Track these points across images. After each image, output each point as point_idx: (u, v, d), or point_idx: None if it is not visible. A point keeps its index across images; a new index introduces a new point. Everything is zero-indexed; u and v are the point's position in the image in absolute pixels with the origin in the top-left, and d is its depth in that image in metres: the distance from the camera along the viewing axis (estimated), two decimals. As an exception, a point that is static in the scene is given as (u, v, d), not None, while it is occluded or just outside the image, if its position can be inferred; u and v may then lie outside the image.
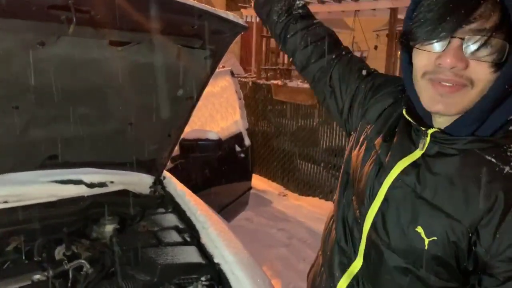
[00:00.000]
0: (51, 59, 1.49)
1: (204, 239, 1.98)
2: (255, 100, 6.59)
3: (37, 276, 1.60)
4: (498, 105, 0.82)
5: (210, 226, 2.04)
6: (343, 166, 1.16)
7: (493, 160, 0.82)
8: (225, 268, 1.79)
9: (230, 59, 7.96)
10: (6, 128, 1.71)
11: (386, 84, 1.12)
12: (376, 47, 8.61)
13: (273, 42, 7.92)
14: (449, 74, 0.80)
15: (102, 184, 2.16)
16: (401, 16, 5.70)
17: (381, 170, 0.96)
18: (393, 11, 5.51)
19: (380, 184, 0.95)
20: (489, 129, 0.84)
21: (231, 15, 1.55)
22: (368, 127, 1.08)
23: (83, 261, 1.72)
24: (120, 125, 1.98)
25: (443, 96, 0.82)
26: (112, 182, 2.19)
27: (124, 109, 1.90)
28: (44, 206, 1.96)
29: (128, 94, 1.80)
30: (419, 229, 0.87)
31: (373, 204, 0.96)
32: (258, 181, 6.18)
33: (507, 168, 0.80)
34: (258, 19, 7.54)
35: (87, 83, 1.66)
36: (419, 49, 0.84)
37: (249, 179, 4.29)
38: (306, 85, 5.70)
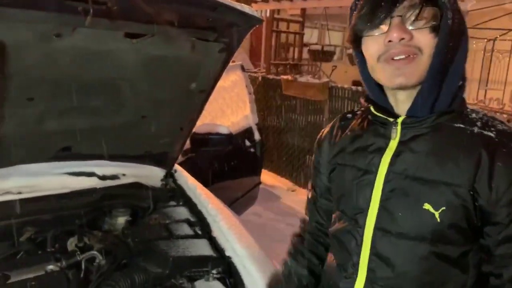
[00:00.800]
0: (67, 51, 1.49)
1: (215, 232, 1.98)
2: (264, 95, 6.58)
3: (50, 267, 1.62)
4: (446, 73, 0.92)
5: (221, 220, 2.05)
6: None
7: (461, 125, 0.94)
8: (236, 261, 1.80)
9: (240, 54, 7.95)
10: (20, 119, 1.72)
11: (320, 144, 1.21)
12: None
13: (283, 36, 7.90)
14: (399, 46, 0.90)
15: (114, 177, 2.17)
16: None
17: (367, 175, 1.02)
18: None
19: (372, 186, 1.00)
20: (445, 100, 0.95)
21: (246, 8, 1.55)
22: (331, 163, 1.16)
23: (95, 252, 1.73)
24: (133, 117, 1.98)
25: (401, 69, 0.91)
26: (124, 174, 2.21)
27: (137, 102, 1.90)
28: (57, 197, 1.98)
29: (142, 86, 1.80)
30: (427, 206, 0.93)
31: (371, 205, 1.00)
32: (267, 176, 6.18)
33: (475, 128, 0.94)
34: (268, 13, 7.53)
35: (102, 75, 1.66)
36: (369, 36, 0.94)
37: (259, 174, 4.29)
38: (316, 81, 5.68)
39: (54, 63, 1.53)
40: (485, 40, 9.72)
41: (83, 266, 1.67)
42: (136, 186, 2.21)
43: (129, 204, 2.13)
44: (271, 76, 6.72)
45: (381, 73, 0.96)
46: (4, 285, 1.48)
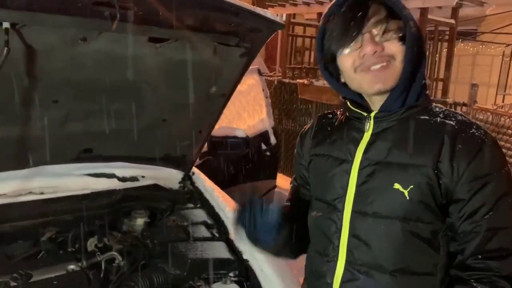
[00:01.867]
0: (92, 55, 1.52)
1: (232, 235, 1.99)
2: (280, 98, 6.58)
3: (71, 266, 1.64)
4: (415, 75, 1.05)
5: (239, 223, 2.05)
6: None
7: (426, 117, 1.07)
8: (254, 264, 1.80)
9: (256, 58, 7.94)
10: (45, 121, 1.75)
11: (303, 138, 1.32)
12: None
13: (299, 41, 7.89)
14: (373, 58, 1.01)
15: (133, 178, 2.20)
16: (431, 16, 5.60)
17: (344, 163, 1.13)
18: (424, 11, 5.43)
19: (349, 173, 1.11)
20: (413, 96, 1.07)
21: (268, 13, 1.56)
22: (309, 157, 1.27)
23: (115, 253, 1.75)
24: (154, 120, 2.01)
25: (378, 77, 1.03)
26: (143, 176, 2.23)
27: (158, 105, 1.93)
28: (77, 198, 2.00)
29: (163, 90, 1.82)
30: (397, 185, 1.04)
31: (348, 191, 1.11)
32: (282, 180, 6.14)
33: (438, 119, 1.07)
34: (284, 17, 7.53)
35: (125, 79, 1.68)
36: (344, 54, 1.05)
37: (274, 177, 4.29)
38: (332, 85, 5.66)
39: (79, 66, 1.56)
40: (504, 45, 9.60)
41: (103, 267, 1.69)
42: (155, 188, 2.23)
43: (147, 206, 2.15)
44: (287, 80, 6.72)
45: (360, 82, 1.07)
46: (26, 284, 1.51)
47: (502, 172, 1.02)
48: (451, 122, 1.05)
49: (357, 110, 1.13)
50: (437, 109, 1.11)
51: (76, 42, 1.43)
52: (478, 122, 1.09)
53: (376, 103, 1.11)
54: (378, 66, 1.03)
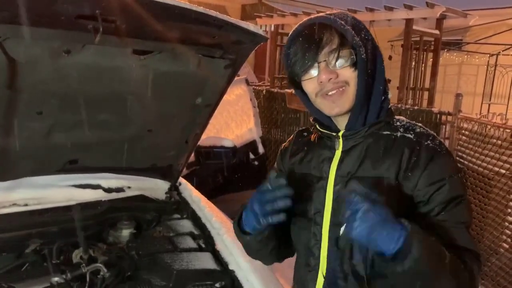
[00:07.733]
0: (76, 67, 1.53)
1: (219, 246, 1.99)
2: (268, 108, 6.61)
3: (55, 279, 1.63)
4: (370, 95, 1.14)
5: (225, 233, 2.06)
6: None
7: (388, 132, 1.18)
8: (239, 275, 1.81)
9: (244, 67, 7.96)
10: (29, 132, 1.75)
11: (282, 156, 1.39)
12: (390, 57, 8.57)
13: (287, 50, 7.94)
14: (330, 85, 1.11)
15: (119, 189, 2.19)
16: (416, 26, 5.69)
17: (321, 180, 1.21)
18: (409, 22, 5.51)
19: (325, 189, 1.19)
20: (374, 113, 1.17)
21: (251, 26, 1.57)
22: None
23: (100, 265, 1.74)
24: (139, 131, 2.01)
25: (335, 102, 1.13)
26: (129, 187, 2.23)
27: (144, 116, 1.93)
28: (62, 209, 1.99)
29: (149, 101, 1.83)
30: None
31: (326, 205, 1.19)
32: (270, 189, 6.15)
33: (399, 133, 1.17)
34: (273, 28, 7.59)
35: (109, 90, 1.69)
36: (304, 80, 1.15)
37: (262, 187, 4.29)
38: (320, 94, 5.70)
39: (63, 78, 1.56)
40: (488, 55, 9.76)
41: (87, 279, 1.68)
42: (141, 199, 2.23)
43: (133, 217, 2.14)
44: (275, 90, 6.75)
45: (321, 106, 1.17)
46: (10, 297, 1.50)
47: (454, 177, 1.12)
48: (410, 136, 1.16)
49: (327, 131, 1.22)
50: (398, 123, 1.21)
51: (60, 54, 1.43)
52: (434, 133, 1.20)
53: (340, 123, 1.20)
54: (334, 92, 1.12)
